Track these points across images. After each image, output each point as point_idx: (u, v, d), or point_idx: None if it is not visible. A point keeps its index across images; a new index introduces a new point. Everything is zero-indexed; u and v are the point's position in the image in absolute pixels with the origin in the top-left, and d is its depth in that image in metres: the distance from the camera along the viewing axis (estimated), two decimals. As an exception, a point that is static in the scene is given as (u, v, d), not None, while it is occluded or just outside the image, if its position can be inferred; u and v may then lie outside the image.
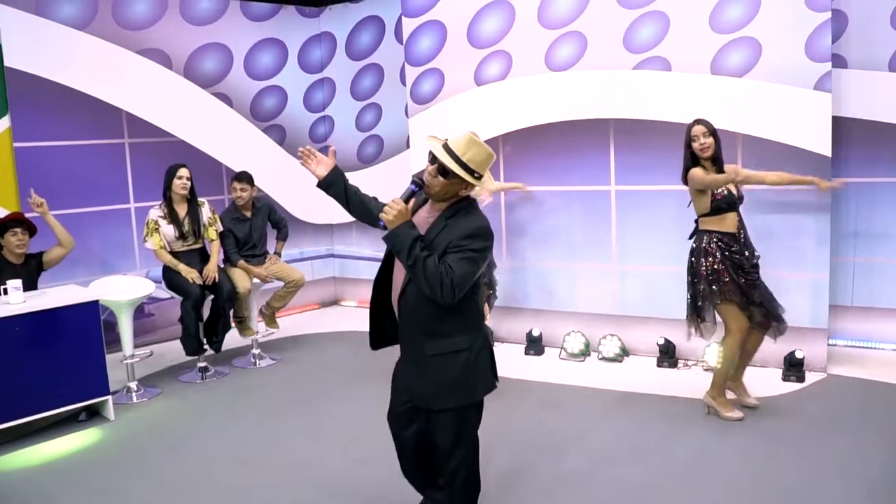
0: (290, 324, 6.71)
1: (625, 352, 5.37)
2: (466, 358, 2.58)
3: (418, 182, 2.55)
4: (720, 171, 4.02)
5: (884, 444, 3.71)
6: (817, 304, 4.81)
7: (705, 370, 4.91)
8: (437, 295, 2.41)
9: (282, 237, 5.82)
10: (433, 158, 2.51)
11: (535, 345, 5.59)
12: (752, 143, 4.81)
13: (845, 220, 5.18)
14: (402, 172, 6.64)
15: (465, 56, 5.79)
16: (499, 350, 5.62)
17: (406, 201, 2.50)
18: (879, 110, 5.01)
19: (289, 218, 6.44)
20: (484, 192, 5.07)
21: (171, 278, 5.16)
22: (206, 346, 5.31)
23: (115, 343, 5.07)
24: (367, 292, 3.05)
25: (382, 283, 2.74)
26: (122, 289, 4.92)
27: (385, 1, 6.77)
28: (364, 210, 2.79)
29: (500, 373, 4.84)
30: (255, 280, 5.49)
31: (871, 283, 5.19)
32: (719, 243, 4.03)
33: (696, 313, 4.12)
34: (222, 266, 5.40)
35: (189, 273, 5.07)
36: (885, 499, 3.21)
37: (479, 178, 2.52)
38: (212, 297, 5.25)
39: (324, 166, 2.75)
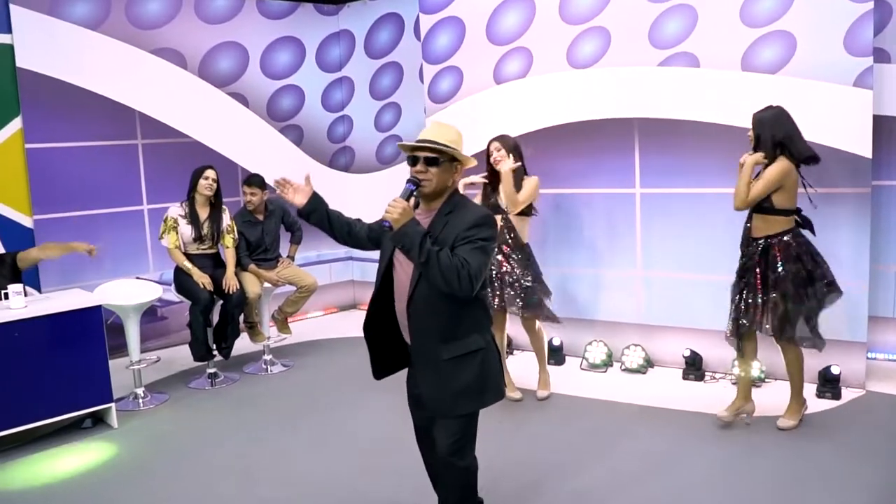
0: (306, 328, 6.59)
1: (649, 363, 5.13)
2: (483, 358, 2.53)
3: (416, 180, 2.49)
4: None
5: (928, 471, 3.43)
6: (855, 315, 4.51)
7: (733, 384, 4.64)
8: (456, 288, 2.35)
9: (295, 241, 5.69)
10: (414, 159, 2.49)
11: (555, 354, 5.37)
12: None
13: (886, 225, 4.85)
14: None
15: (484, 53, 5.60)
16: (518, 358, 5.45)
17: (406, 200, 2.43)
18: (925, 108, 4.69)
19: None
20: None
21: (181, 282, 5.05)
22: (216, 352, 5.20)
23: (125, 348, 4.97)
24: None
25: (380, 302, 2.64)
26: (129, 293, 4.81)
27: (404, -3, 6.62)
28: (348, 233, 2.76)
29: (517, 383, 4.71)
30: (266, 284, 5.36)
31: (914, 292, 4.88)
32: None
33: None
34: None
35: (201, 278, 4.95)
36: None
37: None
38: (221, 302, 5.13)
39: (302, 194, 2.71)
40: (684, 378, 4.90)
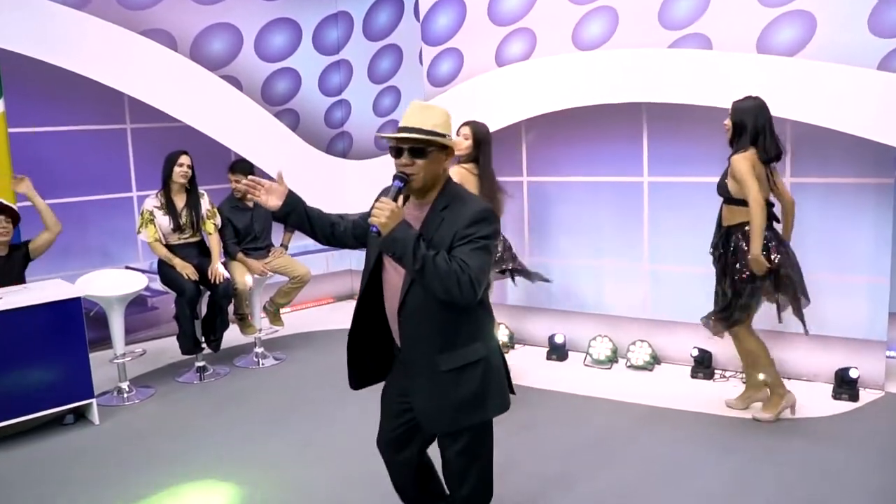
0: (301, 319, 6.40)
1: (655, 359, 4.91)
2: (485, 369, 2.29)
3: (403, 176, 2.23)
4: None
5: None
6: (875, 312, 4.30)
7: (743, 382, 4.43)
8: (456, 295, 2.11)
9: (290, 229, 5.48)
10: (397, 150, 2.23)
11: (557, 350, 5.16)
12: (804, 130, 4.30)
13: (909, 217, 4.61)
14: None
15: (486, 34, 5.36)
16: (518, 353, 5.26)
17: (394, 200, 2.18)
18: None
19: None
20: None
21: (165, 273, 4.86)
22: (204, 345, 5.01)
23: (110, 339, 4.78)
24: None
25: (366, 306, 2.41)
26: (112, 283, 4.61)
27: (404, -23, 6.39)
28: (332, 234, 2.51)
29: (518, 380, 4.46)
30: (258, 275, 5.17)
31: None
32: None
33: None
34: (223, 261, 5.08)
35: (184, 268, 4.76)
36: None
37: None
38: (208, 293, 4.93)
39: (275, 195, 2.46)
40: (693, 376, 4.69)
